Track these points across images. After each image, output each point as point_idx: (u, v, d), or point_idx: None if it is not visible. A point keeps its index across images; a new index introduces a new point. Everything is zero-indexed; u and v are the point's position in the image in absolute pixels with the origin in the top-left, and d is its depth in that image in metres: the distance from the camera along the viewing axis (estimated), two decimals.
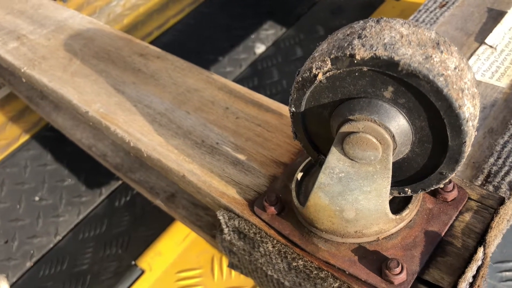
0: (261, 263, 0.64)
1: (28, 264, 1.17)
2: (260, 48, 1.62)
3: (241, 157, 0.69)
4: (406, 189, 0.52)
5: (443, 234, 0.53)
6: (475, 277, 0.50)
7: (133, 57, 0.91)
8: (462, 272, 0.50)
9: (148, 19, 1.78)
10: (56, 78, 0.89)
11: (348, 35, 0.44)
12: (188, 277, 1.06)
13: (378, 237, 0.53)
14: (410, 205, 0.54)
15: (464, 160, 0.45)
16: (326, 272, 0.54)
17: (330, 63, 0.44)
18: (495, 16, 0.86)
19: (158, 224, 1.17)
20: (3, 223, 1.26)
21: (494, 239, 0.53)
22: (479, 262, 0.50)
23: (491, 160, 0.64)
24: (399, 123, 0.45)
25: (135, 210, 1.23)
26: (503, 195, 0.58)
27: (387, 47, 0.41)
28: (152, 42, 1.69)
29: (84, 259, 1.15)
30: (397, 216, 0.52)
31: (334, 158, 0.49)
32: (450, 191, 0.56)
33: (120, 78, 0.86)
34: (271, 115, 0.74)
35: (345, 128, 0.46)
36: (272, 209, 0.59)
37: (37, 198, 1.30)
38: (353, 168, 0.48)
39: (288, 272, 0.59)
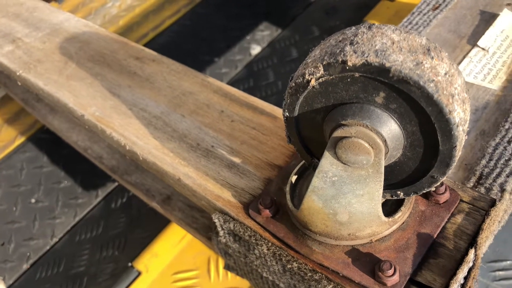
0: (256, 265, 0.64)
1: (25, 266, 1.17)
2: (255, 49, 1.63)
3: (236, 160, 0.69)
4: (399, 192, 0.52)
5: (435, 236, 0.54)
6: (466, 278, 0.51)
7: (128, 60, 0.91)
8: (453, 273, 0.51)
9: (144, 20, 1.78)
10: (52, 81, 0.89)
11: (340, 41, 0.45)
12: (185, 278, 1.07)
13: (371, 240, 0.54)
14: (402, 208, 0.54)
15: (455, 164, 0.46)
16: (320, 274, 0.54)
17: (322, 69, 0.44)
18: (487, 19, 0.86)
19: (155, 225, 1.18)
20: None
21: (485, 240, 0.53)
22: (470, 264, 0.51)
23: (483, 162, 0.65)
24: (390, 128, 0.45)
25: (131, 212, 1.23)
26: (495, 197, 0.59)
27: (379, 53, 0.42)
28: (148, 43, 1.69)
29: (81, 261, 1.16)
30: (390, 219, 0.53)
31: (327, 162, 0.49)
32: (442, 193, 0.56)
33: (115, 82, 0.86)
34: (266, 118, 0.75)
35: (338, 133, 0.46)
36: (266, 212, 0.60)
37: (33, 200, 1.31)
38: (346, 172, 0.49)
39: (283, 274, 0.60)
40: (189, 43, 1.69)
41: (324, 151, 0.49)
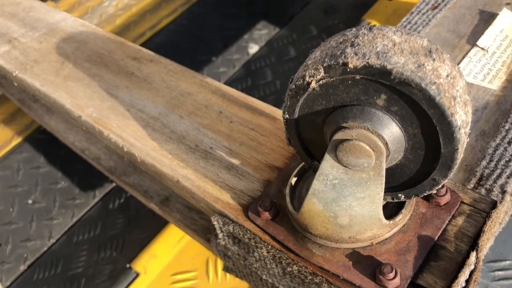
0: (256, 268, 0.64)
1: (22, 267, 1.17)
2: (253, 48, 1.62)
3: (235, 161, 0.69)
4: (400, 194, 0.52)
5: (436, 238, 0.54)
6: (468, 281, 0.51)
7: (126, 60, 0.90)
8: (455, 276, 0.50)
9: (141, 19, 1.77)
10: (49, 82, 0.88)
11: (341, 43, 0.45)
12: (183, 279, 1.06)
13: (372, 242, 0.54)
14: (403, 210, 0.54)
15: (457, 166, 0.46)
16: (320, 277, 0.54)
17: (323, 71, 0.44)
18: (486, 18, 0.86)
19: (153, 226, 1.17)
20: None
21: (487, 243, 0.53)
22: (472, 267, 0.51)
23: (483, 163, 0.65)
24: (392, 131, 0.45)
25: (129, 213, 1.23)
26: (495, 198, 0.59)
27: (380, 55, 0.41)
28: (145, 43, 1.68)
29: (79, 262, 1.15)
30: (391, 221, 0.53)
31: (328, 165, 0.49)
32: (443, 195, 0.56)
33: (113, 82, 0.86)
34: (265, 119, 0.74)
35: (339, 136, 0.46)
36: (266, 214, 0.59)
37: (30, 201, 1.30)
38: (347, 175, 0.49)
39: (283, 277, 0.59)
40: (186, 43, 1.68)
41: (325, 153, 0.48)
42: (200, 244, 0.92)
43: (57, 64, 0.92)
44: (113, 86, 0.85)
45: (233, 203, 0.63)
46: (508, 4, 0.87)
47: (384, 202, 0.55)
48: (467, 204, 0.57)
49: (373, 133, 0.45)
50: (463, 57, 0.81)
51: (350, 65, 0.42)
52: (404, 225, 0.55)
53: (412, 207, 0.55)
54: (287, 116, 0.50)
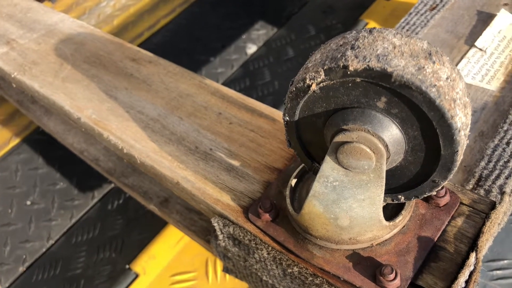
0: (256, 269, 0.64)
1: (21, 269, 1.16)
2: (251, 49, 1.62)
3: (235, 163, 0.69)
4: (400, 196, 0.52)
5: (436, 239, 0.54)
6: (467, 282, 0.51)
7: (125, 61, 0.90)
8: (455, 277, 0.51)
9: (139, 19, 1.77)
10: (47, 83, 0.88)
11: (341, 45, 0.45)
12: (183, 280, 1.07)
13: (372, 244, 0.54)
14: (403, 212, 0.54)
15: (457, 168, 0.46)
16: (321, 278, 0.54)
17: (323, 74, 0.44)
18: (484, 19, 0.86)
19: (152, 227, 1.17)
20: None
21: (486, 243, 0.53)
22: (472, 267, 0.51)
23: (482, 163, 0.65)
24: (392, 133, 0.45)
25: (128, 213, 1.23)
26: (494, 199, 0.59)
27: (380, 58, 0.42)
28: (143, 43, 1.68)
29: (78, 263, 1.15)
30: (391, 223, 0.53)
31: (328, 167, 0.49)
32: (443, 196, 0.56)
33: (112, 84, 0.86)
34: (264, 120, 0.75)
35: (339, 138, 0.46)
36: (266, 216, 0.59)
37: (28, 202, 1.30)
38: (347, 177, 0.49)
39: (283, 278, 0.59)
40: (185, 43, 1.68)
41: (325, 156, 0.48)
42: (199, 245, 0.92)
43: (56, 66, 0.92)
44: (112, 87, 0.85)
45: (233, 205, 0.64)
46: (506, 4, 0.88)
47: (384, 204, 0.55)
48: (466, 205, 0.57)
49: (373, 136, 0.45)
50: (461, 58, 0.81)
51: (351, 68, 0.42)
52: (404, 226, 0.55)
53: (411, 208, 0.56)
54: (287, 118, 0.51)
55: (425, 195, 0.51)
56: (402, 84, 0.41)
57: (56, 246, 1.20)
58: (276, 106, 0.76)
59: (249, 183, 0.66)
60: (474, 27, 0.86)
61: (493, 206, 0.57)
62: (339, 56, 0.43)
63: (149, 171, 0.73)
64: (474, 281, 0.51)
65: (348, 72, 0.43)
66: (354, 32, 0.46)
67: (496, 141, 0.67)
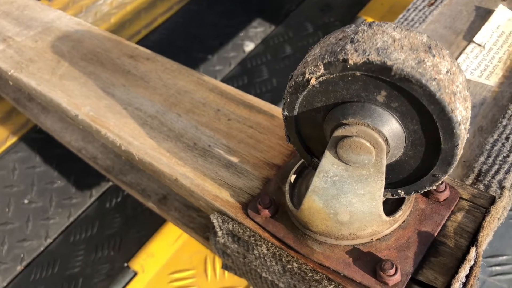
0: (255, 265, 0.64)
1: (19, 268, 1.16)
2: (249, 46, 1.62)
3: (234, 159, 0.69)
4: (400, 191, 0.52)
5: (436, 234, 0.54)
6: (468, 276, 0.51)
7: (122, 58, 0.90)
8: (455, 272, 0.50)
9: (136, 17, 1.76)
10: (44, 81, 0.87)
11: (340, 39, 0.45)
12: (181, 278, 1.06)
13: (372, 239, 0.54)
14: (403, 206, 0.54)
15: (457, 162, 0.46)
16: (321, 274, 0.54)
17: (323, 68, 0.44)
18: (483, 14, 0.86)
19: (150, 225, 1.17)
20: None
21: (486, 238, 0.53)
22: (472, 262, 0.51)
23: (482, 158, 0.65)
24: (392, 127, 0.45)
25: (126, 211, 1.22)
26: (494, 194, 0.59)
27: (380, 52, 0.41)
28: (140, 41, 1.67)
29: (76, 262, 1.15)
30: (391, 218, 0.53)
31: (328, 162, 0.49)
32: (442, 191, 0.56)
33: (109, 81, 0.85)
34: (263, 117, 0.74)
35: (339, 132, 0.46)
36: (266, 212, 0.59)
37: (26, 201, 1.29)
38: (347, 172, 0.49)
39: (283, 274, 0.59)
40: (182, 41, 1.67)
41: (325, 150, 0.48)
42: (198, 242, 0.92)
43: (53, 63, 0.92)
44: (109, 84, 0.84)
45: (232, 201, 0.63)
46: (504, 0, 0.88)
47: (384, 198, 0.55)
48: (466, 199, 0.57)
49: (373, 130, 0.45)
50: (460, 54, 0.81)
51: (350, 62, 0.42)
52: (404, 221, 0.55)
53: (411, 203, 0.56)
54: (286, 113, 0.50)
55: (425, 190, 0.50)
56: (402, 77, 0.41)
57: (54, 244, 1.19)
58: (274, 103, 0.75)
59: (248, 179, 0.66)
60: (473, 23, 0.86)
61: (493, 200, 0.56)
62: (338, 50, 0.43)
63: (147, 168, 0.72)
64: (475, 276, 0.51)
65: (348, 66, 0.42)
66: (354, 26, 0.46)
67: (495, 136, 0.67)
